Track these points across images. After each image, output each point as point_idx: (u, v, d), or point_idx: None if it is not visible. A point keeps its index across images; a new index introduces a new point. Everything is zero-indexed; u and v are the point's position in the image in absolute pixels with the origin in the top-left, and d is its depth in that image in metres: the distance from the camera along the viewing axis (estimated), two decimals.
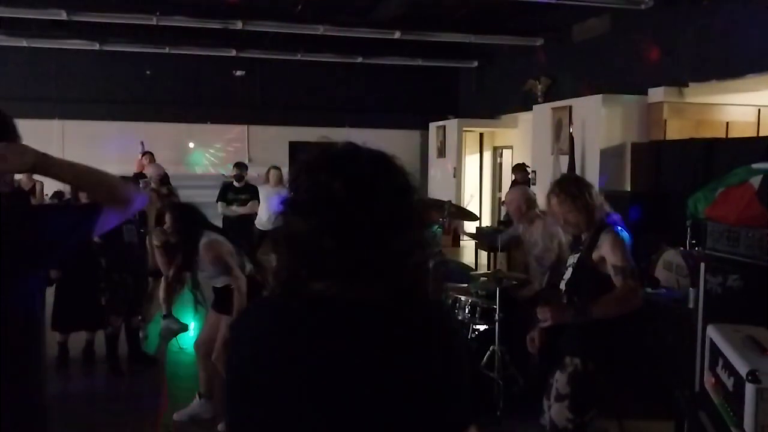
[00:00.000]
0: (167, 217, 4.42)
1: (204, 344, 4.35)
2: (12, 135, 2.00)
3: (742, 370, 2.28)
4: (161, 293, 6.44)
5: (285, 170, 8.90)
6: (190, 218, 4.25)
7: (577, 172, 8.40)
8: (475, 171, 13.76)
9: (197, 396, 4.42)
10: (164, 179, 6.90)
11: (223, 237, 4.26)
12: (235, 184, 8.13)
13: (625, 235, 3.01)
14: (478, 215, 10.78)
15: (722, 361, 2.55)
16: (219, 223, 7.97)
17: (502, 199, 12.10)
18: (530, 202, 4.83)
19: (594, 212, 3.04)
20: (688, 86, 7.85)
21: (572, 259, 3.13)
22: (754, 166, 3.57)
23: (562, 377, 2.98)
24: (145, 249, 5.82)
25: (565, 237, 3.86)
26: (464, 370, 1.24)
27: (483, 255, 10.06)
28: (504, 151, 13.39)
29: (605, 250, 2.94)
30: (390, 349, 1.16)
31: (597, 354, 2.98)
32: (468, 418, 1.27)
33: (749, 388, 2.21)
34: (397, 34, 10.48)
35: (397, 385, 1.15)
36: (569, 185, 3.13)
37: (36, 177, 5.60)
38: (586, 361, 2.96)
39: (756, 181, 3.42)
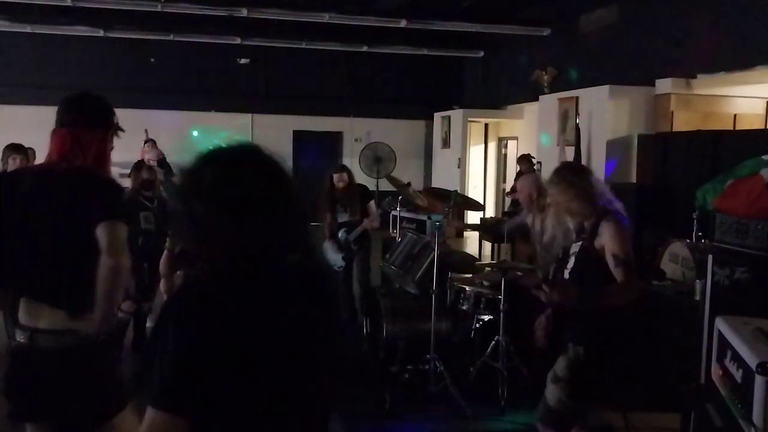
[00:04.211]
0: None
1: None
2: (108, 123, 2.40)
3: (752, 362, 2.25)
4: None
5: (285, 159, 8.87)
6: None
7: (583, 163, 8.36)
8: (480, 162, 13.71)
9: None
10: (162, 162, 6.86)
11: None
12: None
13: (626, 223, 2.99)
14: (483, 206, 10.75)
15: (731, 353, 2.52)
16: None
17: (507, 190, 12.08)
18: (541, 189, 4.80)
19: (595, 199, 3.02)
20: (695, 78, 7.79)
21: (575, 248, 3.12)
22: (765, 157, 3.53)
23: (562, 361, 3.01)
24: (162, 236, 5.78)
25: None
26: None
27: (487, 246, 10.04)
28: (509, 142, 13.34)
29: (606, 239, 2.93)
30: (322, 301, 1.52)
31: (600, 343, 2.98)
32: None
33: (759, 381, 2.19)
34: (402, 23, 10.41)
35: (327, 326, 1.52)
36: (568, 173, 3.12)
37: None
38: (589, 350, 2.96)
39: (766, 172, 3.39)
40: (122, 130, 2.50)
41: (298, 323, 1.42)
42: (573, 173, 3.11)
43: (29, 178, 2.36)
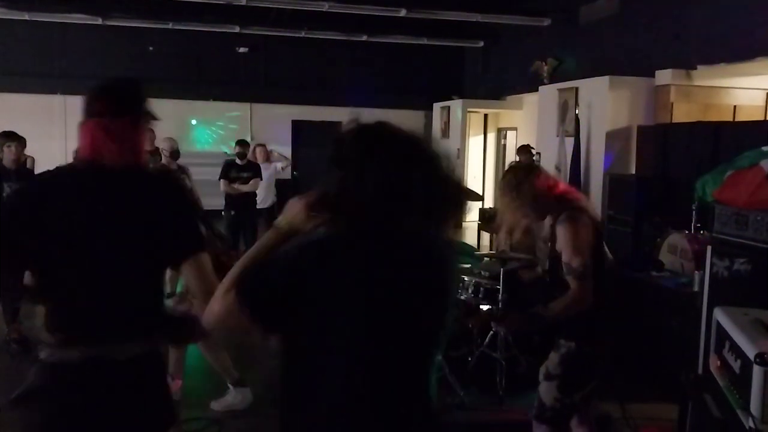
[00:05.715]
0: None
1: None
2: (139, 110, 2.12)
3: (750, 352, 2.25)
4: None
5: (284, 149, 8.87)
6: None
7: (582, 154, 8.36)
8: (479, 152, 13.70)
9: (230, 386, 4.22)
10: (175, 154, 6.81)
11: None
12: (238, 161, 8.13)
13: (583, 218, 2.84)
14: (482, 197, 10.75)
15: (729, 343, 2.52)
16: (221, 201, 7.99)
17: None
18: None
19: (543, 197, 2.88)
20: (696, 69, 7.77)
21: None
22: (765, 149, 3.52)
23: (555, 357, 2.97)
24: None
25: None
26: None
27: (486, 235, 10.05)
28: (508, 132, 13.32)
29: (561, 243, 2.83)
30: (416, 263, 1.59)
31: (592, 336, 2.95)
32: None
33: (757, 371, 2.19)
34: (403, 12, 10.37)
35: (420, 289, 1.59)
36: (510, 178, 2.97)
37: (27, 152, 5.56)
38: (581, 344, 2.93)
39: (766, 164, 3.38)
40: (155, 117, 2.20)
41: (401, 280, 1.56)
42: (513, 176, 2.97)
43: (79, 178, 2.03)
